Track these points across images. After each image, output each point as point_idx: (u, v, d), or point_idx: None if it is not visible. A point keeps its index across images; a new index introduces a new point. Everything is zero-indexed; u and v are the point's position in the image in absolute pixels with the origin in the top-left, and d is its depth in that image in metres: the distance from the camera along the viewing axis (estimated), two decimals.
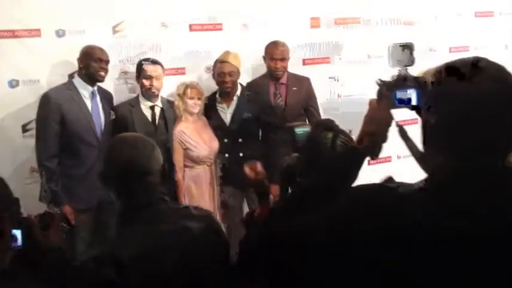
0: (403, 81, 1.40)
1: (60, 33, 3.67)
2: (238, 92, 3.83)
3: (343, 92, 4.63)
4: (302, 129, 1.79)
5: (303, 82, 4.05)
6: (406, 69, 1.44)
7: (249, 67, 4.20)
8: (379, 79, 1.42)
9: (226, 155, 3.79)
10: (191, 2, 4.04)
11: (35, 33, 3.60)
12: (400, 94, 1.38)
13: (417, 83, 1.39)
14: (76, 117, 3.38)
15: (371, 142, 1.41)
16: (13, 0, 3.52)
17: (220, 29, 4.15)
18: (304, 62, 4.40)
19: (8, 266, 1.37)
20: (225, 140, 3.78)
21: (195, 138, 3.70)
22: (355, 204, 1.15)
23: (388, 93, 1.39)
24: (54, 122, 3.32)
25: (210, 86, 4.01)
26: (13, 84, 3.58)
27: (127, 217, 1.58)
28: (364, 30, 4.64)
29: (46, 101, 3.35)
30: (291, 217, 1.33)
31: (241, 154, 3.72)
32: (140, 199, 1.58)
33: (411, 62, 1.44)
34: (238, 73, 3.79)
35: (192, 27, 4.08)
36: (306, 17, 4.42)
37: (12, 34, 3.54)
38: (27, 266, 1.40)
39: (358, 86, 4.64)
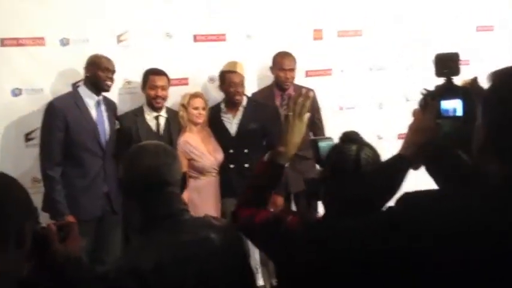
0: (448, 90, 1.39)
1: (64, 42, 3.66)
2: (244, 102, 3.82)
3: (345, 104, 4.64)
4: (326, 143, 1.77)
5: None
6: (452, 78, 1.43)
7: (255, 77, 4.20)
8: (424, 88, 1.41)
9: (231, 166, 3.76)
10: (195, 12, 4.03)
11: (39, 41, 3.59)
12: (445, 104, 1.37)
13: (462, 92, 1.38)
14: (81, 126, 3.36)
15: (416, 153, 1.39)
16: (18, 9, 3.50)
17: (224, 40, 4.16)
18: (307, 74, 4.40)
19: (28, 276, 1.35)
20: (230, 151, 3.76)
21: (200, 148, 3.68)
22: (415, 211, 1.13)
23: (434, 103, 1.37)
24: (59, 130, 3.29)
25: (214, 96, 4.01)
26: (16, 93, 3.55)
27: (148, 227, 1.55)
28: (366, 43, 4.65)
29: (51, 110, 3.32)
30: (335, 228, 1.31)
31: (246, 165, 3.71)
32: (161, 209, 1.55)
33: (457, 71, 1.43)
34: (244, 83, 3.79)
35: (196, 38, 4.08)
36: (309, 29, 4.44)
37: (17, 42, 3.52)
38: (47, 276, 1.38)
39: (360, 98, 4.68)
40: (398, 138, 4.76)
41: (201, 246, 1.53)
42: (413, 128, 1.42)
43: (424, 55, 4.87)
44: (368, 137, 4.71)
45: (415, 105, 4.75)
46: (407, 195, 1.22)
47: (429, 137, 1.37)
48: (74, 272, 1.39)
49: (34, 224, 1.32)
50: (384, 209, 1.47)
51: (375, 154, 1.64)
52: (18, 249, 1.22)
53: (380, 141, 4.70)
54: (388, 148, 4.92)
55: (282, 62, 3.94)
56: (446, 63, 1.43)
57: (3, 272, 1.20)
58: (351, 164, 1.59)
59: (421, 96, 1.50)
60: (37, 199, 3.29)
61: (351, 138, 1.66)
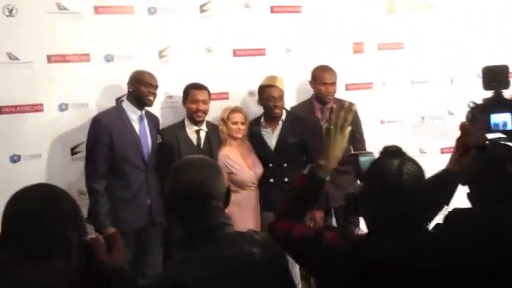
0: (497, 104, 1.34)
1: (108, 58, 3.74)
2: (284, 117, 3.82)
3: (386, 118, 4.58)
4: (366, 157, 1.74)
5: None
6: (501, 92, 1.38)
7: (294, 91, 4.20)
8: (472, 101, 1.37)
9: (271, 180, 3.75)
10: (235, 27, 4.07)
11: (84, 58, 3.68)
12: (495, 118, 1.32)
13: None
14: (124, 140, 3.42)
15: (464, 168, 1.35)
16: (64, 26, 3.61)
17: (264, 54, 4.18)
18: (347, 87, 4.37)
19: (74, 285, 1.37)
20: (270, 165, 3.76)
21: (239, 162, 3.69)
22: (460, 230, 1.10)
23: (483, 117, 1.33)
24: (104, 144, 3.36)
25: (254, 110, 4.02)
26: (63, 107, 3.65)
27: (190, 241, 1.56)
28: (407, 56, 4.59)
29: (97, 124, 3.40)
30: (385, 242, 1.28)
31: (285, 179, 3.70)
32: (205, 223, 1.56)
33: (507, 84, 1.38)
34: (283, 97, 3.79)
35: (235, 52, 4.11)
36: (348, 42, 4.42)
37: (63, 59, 3.63)
38: (93, 285, 1.40)
39: (402, 112, 4.61)
40: (442, 152, 4.67)
41: (243, 261, 1.53)
42: (461, 143, 1.37)
43: (468, 68, 4.80)
44: (410, 151, 4.63)
45: (458, 119, 4.68)
46: (455, 212, 1.19)
47: (478, 152, 1.33)
48: (119, 283, 1.42)
49: (82, 234, 1.35)
50: (430, 225, 1.44)
51: (418, 168, 1.59)
52: (65, 259, 1.25)
53: (423, 155, 4.62)
54: (431, 163, 4.84)
55: (322, 76, 3.92)
56: (495, 76, 1.38)
57: (50, 281, 1.23)
58: (393, 179, 1.55)
59: (467, 110, 1.45)
60: (83, 211, 3.36)
61: (392, 152, 1.62)
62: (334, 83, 3.95)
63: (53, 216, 1.25)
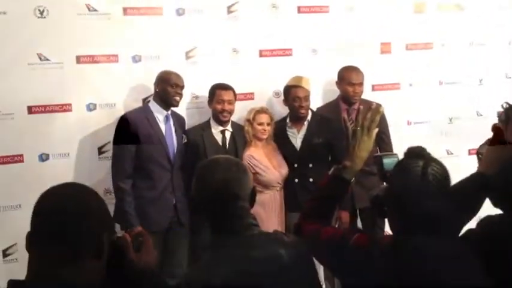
0: None
1: (136, 59, 3.78)
2: (309, 117, 3.81)
3: (413, 119, 4.53)
4: (391, 159, 1.72)
5: None
6: None
7: (320, 92, 4.19)
8: (506, 102, 1.33)
9: (296, 180, 3.75)
10: (261, 28, 4.08)
11: (112, 58, 3.72)
12: None
13: None
14: (151, 140, 3.45)
15: (498, 171, 1.31)
16: (92, 28, 3.66)
17: (290, 55, 4.17)
18: (374, 88, 4.33)
19: (104, 285, 1.38)
20: (295, 165, 3.75)
21: (265, 162, 3.69)
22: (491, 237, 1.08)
23: None
24: (130, 144, 3.39)
25: (280, 110, 4.02)
26: (91, 107, 3.70)
27: (218, 241, 1.57)
28: (435, 56, 4.53)
29: (123, 124, 3.44)
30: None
31: (311, 180, 3.69)
32: (231, 224, 1.56)
33: None
34: (309, 98, 3.78)
35: (261, 53, 4.11)
36: (376, 42, 4.38)
37: (92, 59, 3.67)
38: (123, 286, 1.40)
39: (429, 113, 4.55)
40: (470, 154, 4.59)
41: (270, 262, 1.53)
42: (493, 145, 1.33)
43: (497, 69, 4.72)
44: (438, 152, 4.56)
45: (487, 120, 4.62)
46: (488, 218, 1.16)
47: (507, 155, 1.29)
48: (149, 284, 1.42)
49: (111, 234, 1.36)
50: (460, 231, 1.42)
51: (443, 170, 1.57)
52: (96, 259, 1.25)
53: (450, 157, 4.56)
54: (458, 164, 4.78)
55: (349, 77, 3.89)
56: None
57: (80, 281, 1.24)
58: (417, 180, 1.53)
59: (500, 111, 1.41)
60: (109, 210, 3.39)
61: (416, 153, 1.60)
62: (361, 84, 3.92)
63: (84, 216, 1.25)
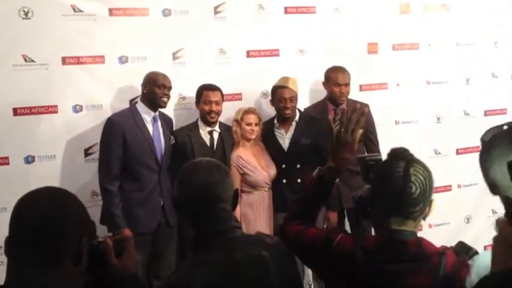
0: None
1: (122, 60, 3.76)
2: (297, 118, 3.81)
3: (400, 119, 4.54)
4: (374, 160, 1.73)
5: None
6: None
7: (308, 92, 4.19)
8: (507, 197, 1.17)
9: (284, 181, 3.75)
10: (249, 28, 4.07)
11: (99, 59, 3.70)
12: None
13: None
14: (138, 141, 3.43)
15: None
16: (79, 29, 3.63)
17: (278, 55, 4.17)
18: (361, 88, 4.35)
19: None
20: (283, 166, 3.75)
21: (253, 163, 3.69)
22: None
23: None
24: (117, 145, 3.38)
25: (268, 111, 4.02)
26: (77, 109, 3.67)
27: (200, 244, 1.56)
28: (422, 56, 4.55)
29: (110, 125, 3.42)
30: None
31: (299, 180, 3.69)
32: (214, 226, 1.55)
33: None
34: (297, 98, 3.78)
35: (249, 53, 4.10)
36: (363, 43, 4.39)
37: (78, 61, 3.65)
38: None
39: (417, 112, 4.57)
40: (458, 153, 4.63)
41: (253, 264, 1.52)
42: (503, 249, 1.20)
43: (485, 69, 4.75)
44: (426, 152, 4.63)
45: (475, 119, 4.65)
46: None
47: None
48: None
49: (91, 239, 1.34)
50: None
51: (425, 170, 1.59)
52: (75, 265, 1.24)
53: (438, 156, 4.58)
54: (446, 164, 4.80)
55: (336, 77, 3.90)
56: None
57: (59, 286, 1.22)
58: (399, 181, 1.55)
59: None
60: (95, 212, 3.39)
61: (399, 154, 1.61)
62: (347, 84, 3.93)
63: (62, 220, 1.24)
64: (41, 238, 1.21)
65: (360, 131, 1.76)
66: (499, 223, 1.13)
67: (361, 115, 1.74)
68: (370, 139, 3.97)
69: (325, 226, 3.80)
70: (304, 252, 1.72)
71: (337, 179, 1.79)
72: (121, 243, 1.44)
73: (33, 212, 1.24)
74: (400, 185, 1.55)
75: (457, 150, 4.63)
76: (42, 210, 1.24)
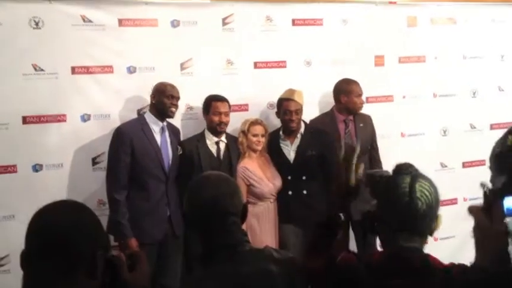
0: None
1: (131, 70, 3.79)
2: (302, 130, 3.83)
3: (406, 131, 4.55)
4: (382, 176, 1.74)
5: (367, 119, 4.07)
6: None
7: (315, 104, 4.21)
8: (484, 184, 1.27)
9: (290, 193, 3.75)
10: (257, 40, 4.10)
11: (107, 69, 3.73)
12: (509, 202, 1.23)
13: None
14: (146, 151, 3.45)
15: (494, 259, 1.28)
16: (88, 39, 3.67)
17: (285, 67, 4.19)
18: (368, 100, 4.36)
19: None
20: (289, 177, 3.76)
21: (259, 174, 3.70)
22: None
23: (498, 203, 1.22)
24: (126, 155, 3.40)
25: (274, 122, 4.03)
26: (85, 118, 3.70)
27: (209, 257, 1.57)
28: (429, 68, 4.57)
29: (119, 134, 3.44)
30: None
31: (304, 192, 3.71)
32: (222, 239, 1.57)
33: None
34: (302, 111, 3.80)
35: (256, 65, 4.13)
36: (370, 55, 4.41)
37: (87, 70, 3.68)
38: None
39: (423, 125, 4.58)
40: (464, 166, 4.62)
41: (261, 279, 1.54)
42: (478, 236, 1.27)
43: (492, 82, 4.76)
44: (431, 164, 4.61)
45: (481, 133, 4.64)
46: None
47: (499, 242, 1.25)
48: None
49: (105, 252, 1.35)
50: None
51: (431, 185, 1.59)
52: (90, 278, 1.25)
53: (444, 169, 4.58)
54: (452, 177, 4.78)
55: (351, 89, 3.95)
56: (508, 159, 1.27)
57: None
58: (405, 197, 1.55)
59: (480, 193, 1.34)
60: (102, 221, 3.36)
61: (404, 170, 1.61)
62: (361, 95, 4.01)
63: (79, 234, 1.25)
64: (56, 252, 1.21)
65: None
66: (472, 210, 1.20)
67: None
68: (374, 149, 4.07)
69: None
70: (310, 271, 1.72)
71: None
72: (133, 258, 1.45)
73: (50, 226, 1.25)
74: (406, 201, 1.56)
75: (463, 163, 4.63)
76: (58, 225, 1.25)
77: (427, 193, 1.57)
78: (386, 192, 1.63)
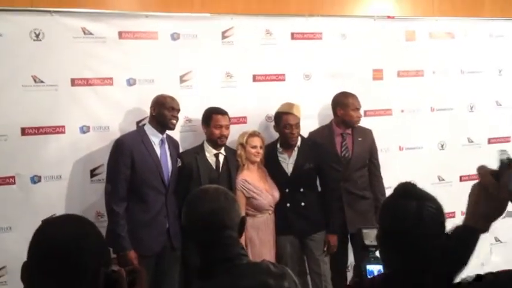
0: None
1: (130, 82, 3.80)
2: (299, 143, 3.84)
3: (404, 145, 4.56)
4: (371, 230, 1.74)
5: (367, 133, 4.08)
6: None
7: (313, 117, 4.22)
8: (504, 151, 1.30)
9: (288, 205, 3.76)
10: (256, 53, 4.12)
11: (107, 81, 3.74)
12: None
13: None
14: (146, 163, 3.45)
15: (487, 225, 1.29)
16: (88, 51, 3.69)
17: (283, 80, 4.21)
18: (366, 114, 4.37)
19: None
20: (286, 190, 3.76)
21: (258, 186, 3.71)
22: None
23: (509, 171, 1.26)
24: (125, 166, 3.39)
25: (272, 134, 4.04)
26: (84, 130, 3.70)
27: (206, 271, 1.57)
28: (428, 83, 4.59)
29: (119, 146, 3.44)
30: None
31: (302, 204, 3.73)
32: (220, 253, 1.57)
33: None
34: (299, 124, 3.82)
35: (255, 78, 4.15)
36: (368, 69, 4.43)
37: (86, 82, 3.69)
38: None
39: (421, 139, 4.59)
40: (461, 180, 4.63)
41: None
42: (484, 197, 1.30)
43: (490, 96, 4.78)
44: (429, 178, 4.63)
45: (478, 147, 4.67)
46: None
47: (503, 208, 1.27)
48: None
49: (107, 267, 1.34)
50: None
51: (438, 207, 1.54)
52: None
53: (441, 182, 4.59)
54: (449, 191, 4.78)
55: (353, 103, 3.96)
56: None
57: None
58: (412, 222, 1.50)
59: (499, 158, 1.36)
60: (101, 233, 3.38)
61: (409, 193, 1.56)
62: (359, 109, 4.02)
63: (83, 249, 1.24)
64: (59, 267, 1.21)
65: None
66: (480, 170, 1.23)
67: None
68: (374, 165, 4.04)
69: (325, 249, 3.81)
70: None
71: None
72: (133, 274, 1.44)
73: (53, 240, 1.24)
74: (412, 225, 1.50)
75: (461, 177, 4.64)
76: (62, 239, 1.24)
77: (436, 217, 1.52)
78: (392, 218, 1.57)
